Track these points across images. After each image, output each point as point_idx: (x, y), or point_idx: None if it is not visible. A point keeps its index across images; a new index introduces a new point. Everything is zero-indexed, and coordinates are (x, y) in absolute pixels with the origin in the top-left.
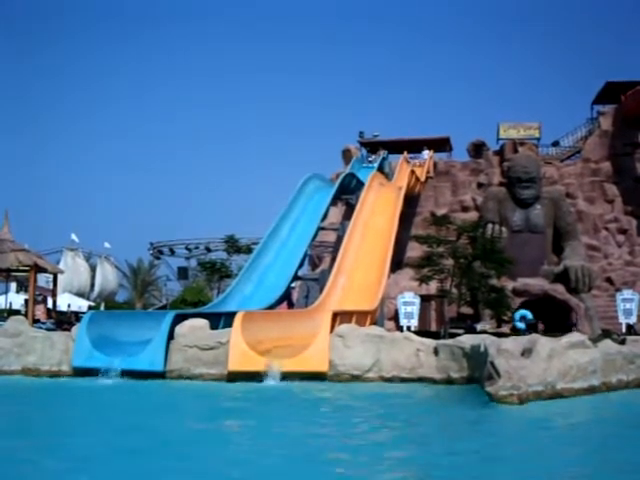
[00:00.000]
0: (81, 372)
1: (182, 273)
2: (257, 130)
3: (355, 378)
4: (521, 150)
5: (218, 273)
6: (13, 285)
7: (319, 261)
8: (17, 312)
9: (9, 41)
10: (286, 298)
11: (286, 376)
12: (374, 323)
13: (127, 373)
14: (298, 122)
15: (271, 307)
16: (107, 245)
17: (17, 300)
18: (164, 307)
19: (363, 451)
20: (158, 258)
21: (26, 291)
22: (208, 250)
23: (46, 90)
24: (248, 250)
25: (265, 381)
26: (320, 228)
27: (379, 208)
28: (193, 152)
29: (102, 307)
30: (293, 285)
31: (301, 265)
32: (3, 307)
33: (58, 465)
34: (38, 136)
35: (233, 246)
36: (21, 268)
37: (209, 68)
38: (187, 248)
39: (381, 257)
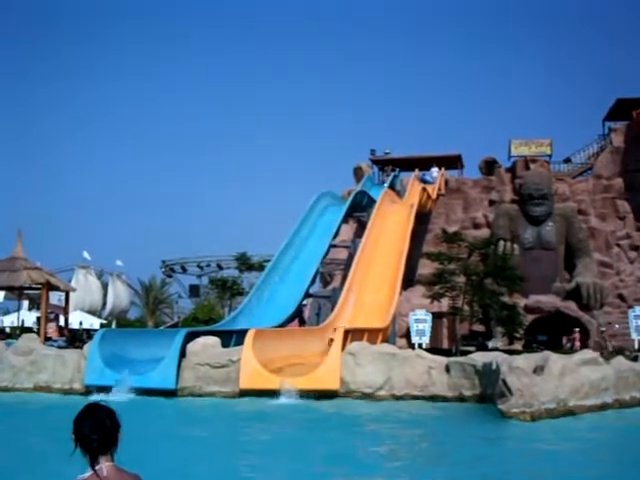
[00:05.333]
0: (93, 390)
1: (194, 291)
2: (270, 147)
3: (366, 396)
4: (533, 167)
5: (230, 291)
6: (25, 303)
7: (330, 278)
8: (29, 330)
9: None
10: (297, 316)
11: (297, 394)
12: (386, 341)
13: (139, 391)
14: (310, 139)
15: (282, 325)
16: (119, 263)
17: (29, 318)
18: (176, 325)
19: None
20: (170, 276)
21: (38, 309)
22: (220, 268)
23: (60, 107)
24: (260, 267)
25: (278, 399)
26: (332, 245)
27: (391, 225)
28: (204, 170)
29: (114, 325)
30: (304, 302)
31: (312, 282)
32: (15, 325)
33: None
34: (50, 155)
35: (245, 264)
36: (33, 286)
37: (217, 81)
38: (199, 266)
39: (393, 274)
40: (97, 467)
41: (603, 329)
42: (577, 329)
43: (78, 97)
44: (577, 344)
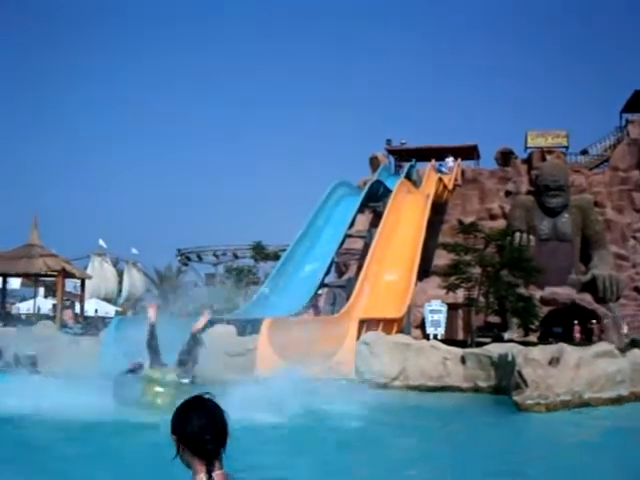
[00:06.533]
0: (107, 377)
1: (209, 279)
2: (285, 136)
3: (381, 386)
4: (549, 158)
5: (245, 280)
6: (41, 290)
7: (346, 268)
8: (45, 316)
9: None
10: (312, 305)
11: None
12: (401, 331)
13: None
14: (326, 129)
15: (297, 314)
16: (134, 251)
17: (45, 305)
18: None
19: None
20: (185, 264)
21: (54, 296)
22: (235, 257)
23: (78, 94)
24: (275, 257)
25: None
26: (347, 235)
27: (406, 216)
28: (220, 158)
29: (129, 313)
30: (320, 292)
31: (328, 272)
32: (32, 312)
33: None
34: (66, 142)
35: (260, 253)
36: (49, 273)
37: (233, 70)
38: (214, 255)
39: (408, 265)
40: (213, 474)
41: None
42: (594, 321)
43: (94, 78)
44: (577, 336)
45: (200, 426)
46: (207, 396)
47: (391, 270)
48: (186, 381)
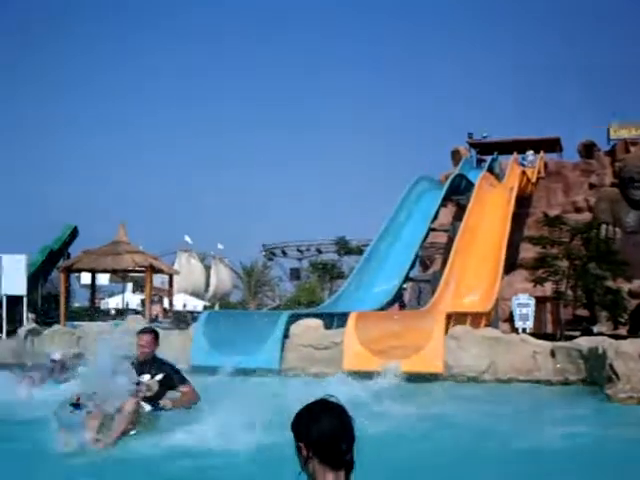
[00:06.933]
0: (198, 370)
1: (294, 274)
2: (366, 132)
3: (470, 380)
4: (633, 150)
5: (329, 274)
6: (129, 285)
7: (430, 262)
8: (134, 312)
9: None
10: (398, 299)
11: (400, 376)
12: (489, 325)
13: (242, 371)
14: (406, 123)
15: (382, 308)
16: (220, 246)
17: (133, 300)
18: (277, 307)
19: None
20: (271, 259)
21: (142, 291)
22: (319, 252)
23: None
24: (359, 251)
25: (382, 380)
26: (431, 229)
27: (490, 209)
28: (304, 153)
29: (216, 307)
30: (405, 286)
31: (412, 266)
32: (120, 307)
33: None
34: (152, 145)
35: (344, 247)
36: (137, 269)
37: (329, 62)
38: (299, 250)
39: (494, 258)
40: None
41: None
42: None
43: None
44: None
45: (333, 431)
46: (332, 398)
47: (476, 263)
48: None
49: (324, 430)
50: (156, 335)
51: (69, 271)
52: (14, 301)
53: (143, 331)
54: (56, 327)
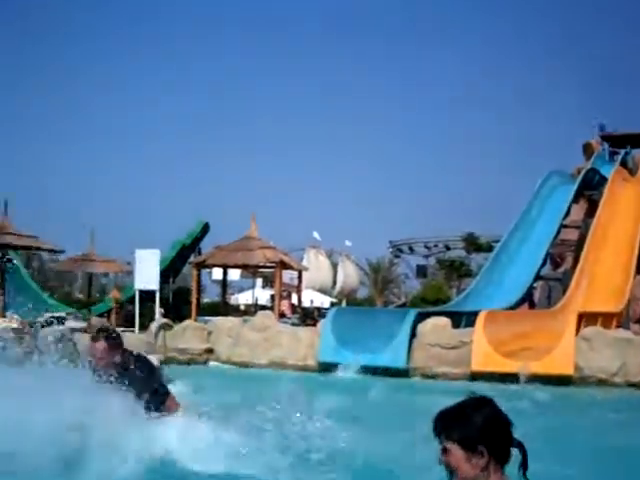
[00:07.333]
0: (325, 367)
1: (421, 271)
2: (495, 127)
3: (601, 382)
4: None
5: (457, 272)
6: (259, 281)
7: (561, 260)
8: (263, 307)
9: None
10: (527, 298)
11: (530, 379)
12: (619, 326)
13: (367, 369)
14: (535, 117)
15: (512, 307)
16: (348, 243)
17: (262, 295)
18: (404, 305)
19: None
20: (397, 256)
21: (271, 287)
22: (447, 248)
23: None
24: (488, 248)
25: (515, 382)
26: (562, 226)
27: (624, 205)
28: (429, 149)
29: (343, 304)
30: (535, 285)
31: (543, 264)
32: (250, 302)
33: None
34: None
35: (473, 244)
36: (267, 265)
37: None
38: (426, 246)
39: (626, 255)
40: None
41: None
42: None
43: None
44: None
45: (507, 431)
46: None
47: (608, 261)
48: None
49: (505, 432)
50: (113, 339)
51: (201, 266)
52: (146, 296)
53: (94, 338)
54: (187, 322)
